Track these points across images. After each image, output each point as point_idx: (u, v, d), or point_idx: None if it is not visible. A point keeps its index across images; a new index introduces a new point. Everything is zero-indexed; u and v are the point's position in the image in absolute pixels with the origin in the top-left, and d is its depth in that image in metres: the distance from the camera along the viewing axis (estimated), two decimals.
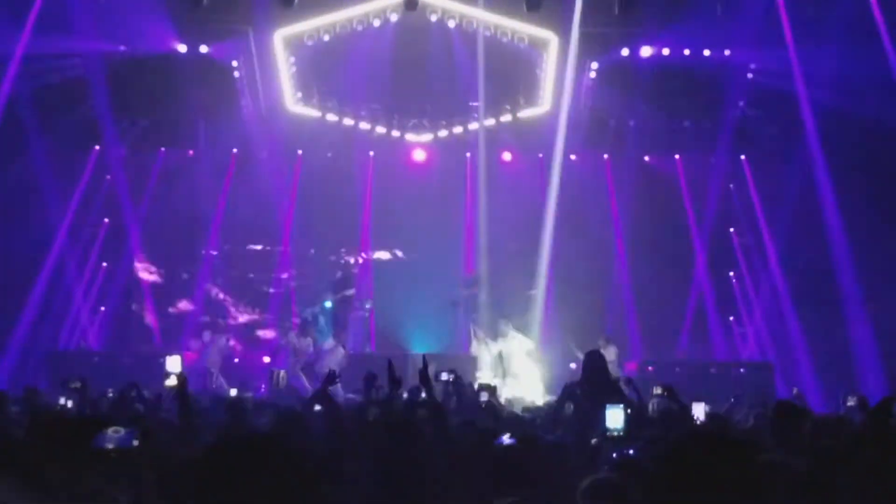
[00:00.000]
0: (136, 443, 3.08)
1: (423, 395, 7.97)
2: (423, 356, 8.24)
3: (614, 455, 5.90)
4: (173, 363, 9.93)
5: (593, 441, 7.27)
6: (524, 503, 4.08)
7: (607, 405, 7.97)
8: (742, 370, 20.37)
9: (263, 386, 18.90)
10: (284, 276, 23.49)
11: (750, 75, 21.61)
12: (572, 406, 10.59)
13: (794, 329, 21.33)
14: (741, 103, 22.01)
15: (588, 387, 10.58)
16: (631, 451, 5.87)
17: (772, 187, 22.40)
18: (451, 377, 10.36)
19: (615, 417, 7.02)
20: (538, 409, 12.25)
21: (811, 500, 4.27)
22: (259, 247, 23.70)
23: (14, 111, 19.22)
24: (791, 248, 21.59)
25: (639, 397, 10.06)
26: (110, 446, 3.05)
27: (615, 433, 6.84)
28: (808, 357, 20.52)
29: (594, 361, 10.76)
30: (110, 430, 3.05)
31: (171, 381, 8.44)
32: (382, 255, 23.85)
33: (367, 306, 22.31)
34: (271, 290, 23.48)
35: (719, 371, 20.16)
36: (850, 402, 11.79)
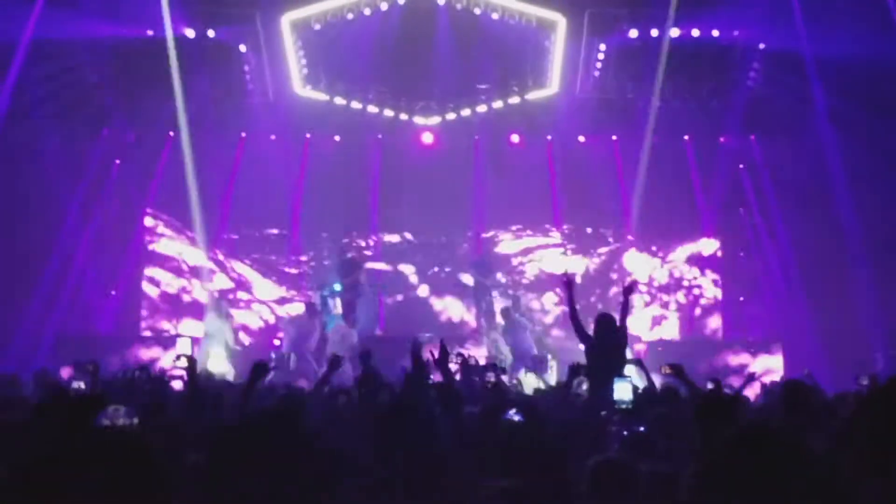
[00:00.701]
0: (135, 420, 3.08)
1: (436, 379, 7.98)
2: (442, 340, 8.25)
3: (625, 433, 5.90)
4: (183, 345, 9.98)
5: (602, 413, 7.29)
6: (515, 488, 4.07)
7: (615, 378, 8.01)
8: (752, 349, 20.39)
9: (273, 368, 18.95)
10: (303, 258, 23.60)
11: (759, 55, 21.52)
12: (584, 385, 10.67)
13: (804, 308, 21.29)
14: (751, 83, 21.92)
15: (599, 350, 10.74)
16: (642, 428, 5.87)
17: (782, 167, 22.34)
18: (460, 360, 10.36)
19: (623, 390, 7.04)
20: (547, 389, 12.29)
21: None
22: (275, 230, 23.79)
23: (22, 96, 19.24)
24: (802, 228, 21.56)
25: (648, 378, 10.08)
26: (108, 422, 3.05)
27: (623, 405, 6.86)
28: (819, 337, 20.49)
29: (606, 325, 11.02)
30: (111, 409, 3.06)
31: (182, 363, 8.50)
32: (391, 237, 23.89)
33: (376, 289, 22.32)
34: (294, 272, 23.63)
35: (729, 351, 20.20)
36: (863, 382, 11.79)
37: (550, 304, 23.37)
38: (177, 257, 23.32)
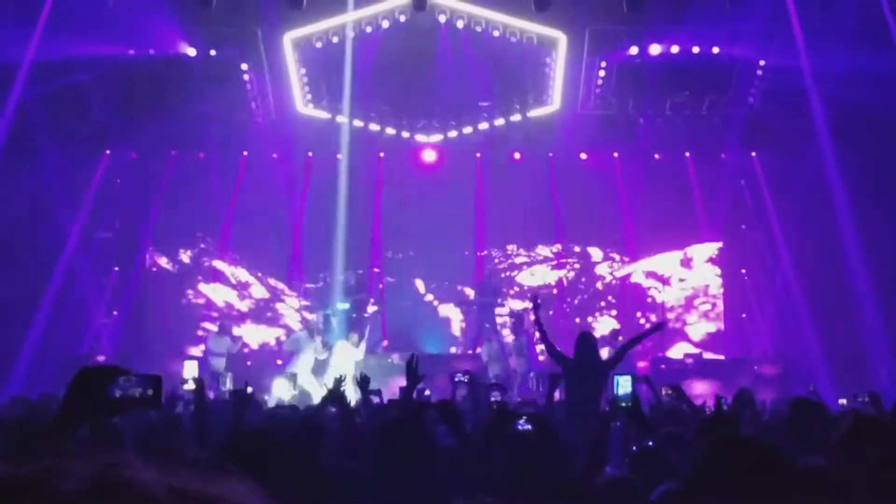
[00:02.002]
0: (151, 392, 3.03)
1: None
2: (413, 354, 8.20)
3: (634, 448, 5.89)
4: (190, 368, 9.94)
5: (605, 408, 7.25)
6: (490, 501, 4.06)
7: (616, 375, 8.00)
8: (755, 366, 20.37)
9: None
10: (305, 277, 23.61)
11: (760, 72, 21.56)
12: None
13: (807, 325, 21.27)
14: (751, 100, 21.96)
15: (578, 371, 10.71)
16: (650, 443, 5.86)
17: (783, 184, 22.35)
18: (466, 378, 10.32)
19: (624, 385, 7.02)
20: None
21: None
22: (277, 249, 23.78)
23: (24, 116, 19.26)
24: (803, 243, 21.56)
25: (657, 396, 10.08)
26: (121, 395, 3.00)
27: (624, 402, 6.83)
28: (821, 353, 20.46)
29: (587, 344, 10.96)
30: (121, 380, 3.00)
31: (189, 386, 8.46)
32: (394, 255, 23.90)
33: (380, 307, 22.29)
34: (296, 293, 23.65)
35: (731, 367, 20.19)
36: (862, 399, 11.76)
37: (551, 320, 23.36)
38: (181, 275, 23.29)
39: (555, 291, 23.86)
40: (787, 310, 22.06)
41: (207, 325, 22.40)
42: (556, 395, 10.32)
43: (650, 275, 24.01)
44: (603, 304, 23.69)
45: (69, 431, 2.97)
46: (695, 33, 20.46)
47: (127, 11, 18.79)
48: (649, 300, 23.73)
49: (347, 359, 18.98)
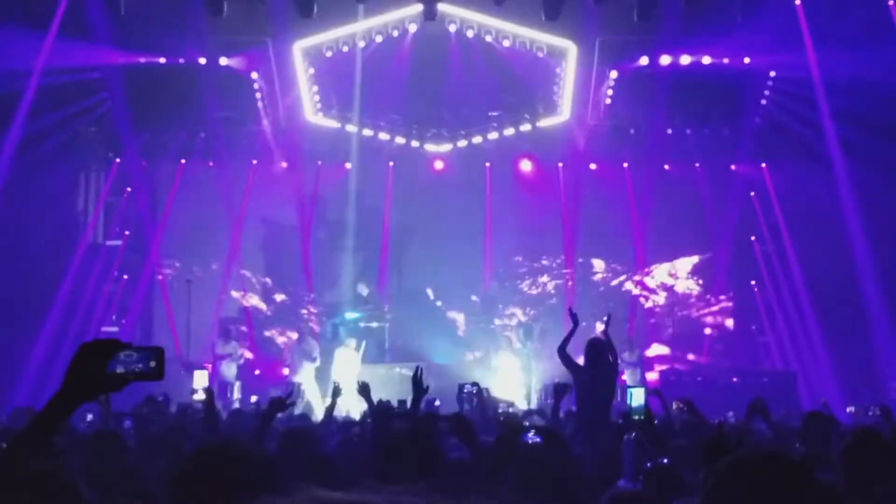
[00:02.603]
0: (153, 364, 2.99)
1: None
2: (419, 366, 8.17)
3: (648, 464, 5.84)
4: (200, 378, 9.93)
5: (619, 421, 7.20)
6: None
7: (629, 387, 7.92)
8: (765, 379, 20.28)
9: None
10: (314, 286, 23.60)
11: (770, 82, 21.50)
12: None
13: (817, 337, 21.19)
14: (762, 111, 21.89)
15: (590, 378, 10.65)
16: (665, 460, 5.81)
17: (793, 195, 22.28)
18: (475, 389, 10.29)
19: (637, 397, 6.96)
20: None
21: None
22: (286, 257, 23.77)
23: (35, 124, 19.27)
24: (813, 255, 21.49)
25: (666, 409, 10.03)
26: (122, 370, 2.96)
27: (637, 415, 6.78)
28: (831, 366, 20.38)
29: (597, 351, 10.89)
30: (122, 354, 2.96)
31: (200, 396, 8.47)
32: (404, 264, 23.89)
33: (388, 316, 22.23)
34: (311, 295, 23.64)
35: (741, 380, 20.08)
36: (873, 412, 11.71)
37: (560, 331, 23.26)
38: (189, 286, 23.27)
39: (553, 301, 23.75)
40: (797, 322, 21.99)
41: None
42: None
43: (659, 283, 23.95)
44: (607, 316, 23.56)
45: (71, 408, 2.96)
46: (705, 44, 20.41)
47: (138, 20, 18.80)
48: (657, 311, 23.69)
49: (346, 366, 18.98)
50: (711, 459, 3.71)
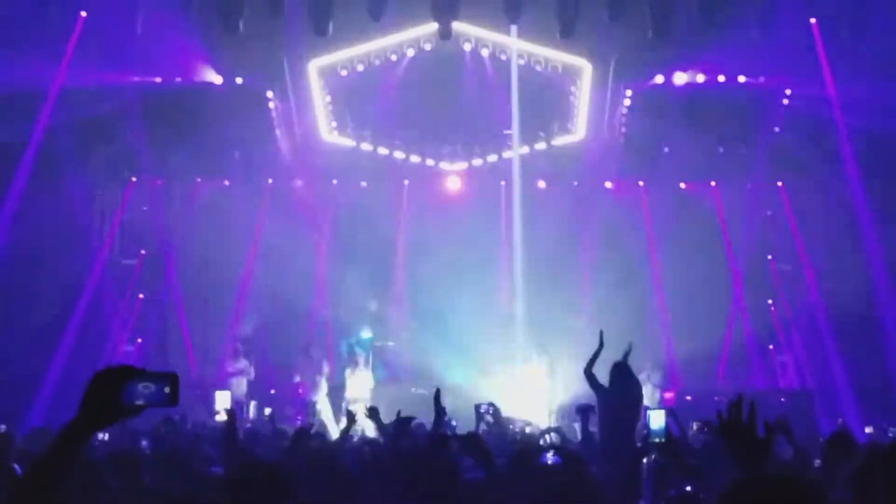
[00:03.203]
0: (167, 390, 2.99)
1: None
2: (438, 388, 8.14)
3: (672, 492, 5.78)
4: (223, 399, 9.94)
5: (639, 444, 7.14)
6: None
7: (649, 409, 7.85)
8: (782, 399, 20.15)
9: (300, 417, 18.86)
10: (328, 305, 23.55)
11: (786, 101, 21.43)
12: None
13: (834, 357, 21.06)
14: (777, 129, 21.82)
15: (615, 400, 10.57)
16: (689, 488, 5.75)
17: (810, 213, 22.20)
18: (491, 409, 10.24)
19: (657, 420, 6.89)
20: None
21: None
22: (301, 276, 23.74)
23: (51, 142, 19.35)
24: (830, 274, 21.39)
25: (681, 429, 9.95)
26: (137, 398, 2.96)
27: (658, 439, 6.71)
28: (849, 385, 20.25)
29: (622, 374, 10.80)
30: (136, 382, 2.96)
31: (222, 417, 8.49)
32: (419, 283, 23.83)
33: (403, 336, 22.18)
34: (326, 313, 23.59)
35: (759, 400, 19.91)
36: (893, 432, 11.63)
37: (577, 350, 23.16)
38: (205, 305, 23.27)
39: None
40: (814, 341, 21.87)
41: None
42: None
43: (676, 304, 23.82)
44: (629, 331, 23.42)
45: (87, 437, 2.98)
46: (720, 62, 20.37)
47: (154, 39, 18.87)
48: (675, 330, 23.57)
49: (360, 386, 18.94)
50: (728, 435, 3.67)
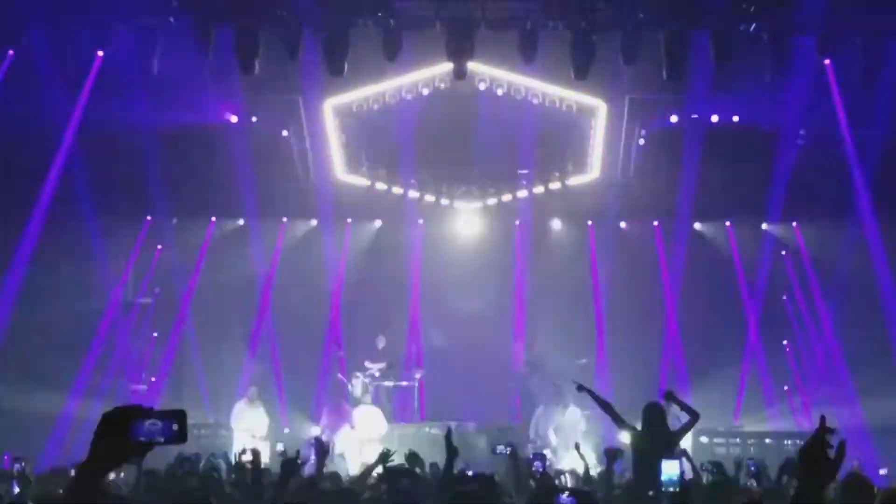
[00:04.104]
0: (175, 428, 3.00)
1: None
2: (449, 427, 8.10)
3: None
4: (242, 441, 9.97)
5: (650, 493, 7.11)
6: None
7: (663, 459, 7.80)
8: (798, 441, 20.02)
9: (313, 456, 18.74)
10: (343, 343, 23.51)
11: (800, 141, 21.45)
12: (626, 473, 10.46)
13: (851, 399, 20.91)
14: (792, 169, 21.80)
15: (647, 437, 10.45)
16: None
17: (825, 253, 22.12)
18: (509, 450, 10.17)
19: (671, 468, 6.84)
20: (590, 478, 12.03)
21: None
22: (315, 315, 23.74)
23: (67, 181, 19.47)
24: (847, 316, 21.30)
25: (695, 470, 9.89)
26: (145, 436, 2.98)
27: (671, 487, 6.67)
28: (865, 427, 20.10)
29: (654, 415, 10.67)
30: (144, 420, 2.98)
31: (247, 457, 8.50)
32: (432, 322, 23.82)
33: (417, 376, 22.10)
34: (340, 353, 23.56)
35: (775, 441, 19.84)
36: None
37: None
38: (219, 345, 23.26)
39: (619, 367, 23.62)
40: (830, 382, 21.75)
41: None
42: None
43: (691, 343, 23.72)
44: (644, 371, 23.34)
45: (98, 478, 2.97)
46: (735, 102, 20.41)
47: (171, 78, 18.99)
48: (690, 370, 23.44)
49: (374, 425, 18.79)
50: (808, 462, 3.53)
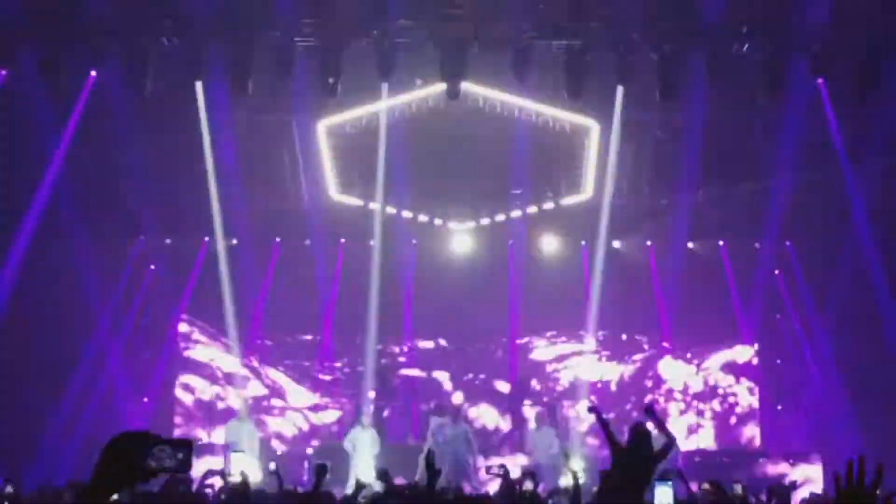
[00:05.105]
0: (181, 456, 3.03)
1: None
2: (430, 450, 8.11)
3: None
4: (238, 461, 9.95)
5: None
6: None
7: (656, 483, 7.75)
8: (791, 461, 20.03)
9: (306, 476, 18.70)
10: (337, 364, 23.48)
11: (795, 159, 21.47)
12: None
13: (846, 419, 20.89)
14: (786, 188, 21.83)
15: (629, 459, 10.41)
16: None
17: (820, 272, 22.08)
18: (501, 471, 10.14)
19: (664, 495, 6.81)
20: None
21: None
22: (309, 336, 23.75)
23: (58, 200, 19.44)
24: (841, 334, 21.28)
25: (688, 490, 9.86)
26: (152, 463, 2.99)
27: None
28: (861, 448, 20.06)
29: (640, 435, 10.63)
30: (155, 450, 3.00)
31: (236, 479, 8.50)
32: (426, 343, 23.80)
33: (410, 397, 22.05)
34: (328, 378, 23.51)
35: (768, 461, 19.88)
36: None
37: (585, 412, 23.05)
38: (211, 364, 23.22)
39: (613, 388, 23.63)
40: (826, 402, 21.73)
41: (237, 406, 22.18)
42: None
43: (683, 363, 23.74)
44: (633, 396, 23.35)
45: (102, 500, 2.99)
46: (728, 122, 20.46)
47: (163, 99, 19.00)
48: (680, 392, 23.44)
49: (367, 447, 18.62)
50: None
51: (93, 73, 18.65)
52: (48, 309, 20.34)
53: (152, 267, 22.92)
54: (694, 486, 11.41)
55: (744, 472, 18.87)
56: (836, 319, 21.43)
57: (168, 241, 23.08)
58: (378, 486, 13.29)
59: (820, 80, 18.99)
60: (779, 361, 23.46)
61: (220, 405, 22.91)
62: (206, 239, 23.01)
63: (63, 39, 17.79)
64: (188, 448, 3.08)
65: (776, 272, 23.35)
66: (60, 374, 20.60)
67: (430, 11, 17.85)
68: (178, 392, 23.02)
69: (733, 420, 23.42)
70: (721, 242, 23.67)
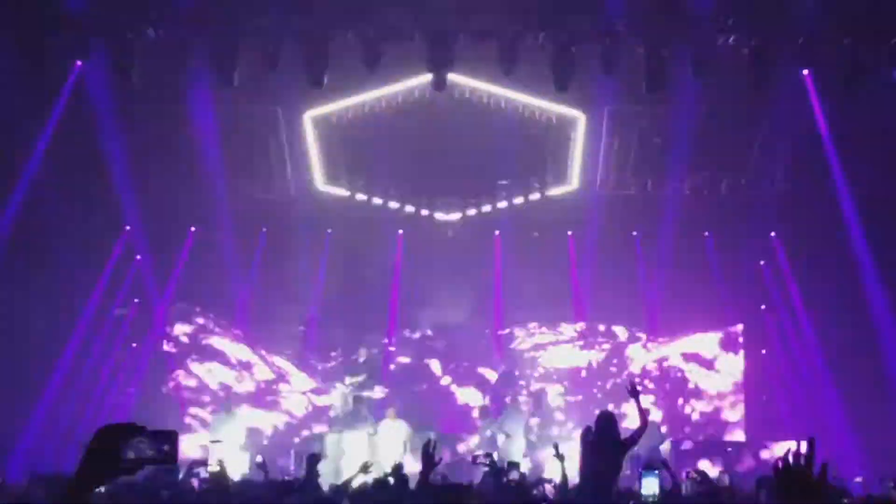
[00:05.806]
0: (166, 448, 3.04)
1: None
2: (430, 438, 8.11)
3: None
4: (217, 450, 9.94)
5: None
6: None
7: (643, 473, 7.80)
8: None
9: (293, 467, 18.67)
10: (327, 354, 23.52)
11: (781, 151, 21.52)
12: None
13: (833, 407, 20.98)
14: (771, 179, 21.87)
15: (600, 443, 10.48)
16: None
17: (806, 263, 22.12)
18: (488, 460, 10.19)
19: (650, 485, 6.87)
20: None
21: None
22: (295, 326, 23.76)
23: (41, 191, 19.37)
24: (825, 323, 21.36)
25: (674, 480, 9.91)
26: (137, 455, 3.00)
27: (650, 500, 6.71)
28: (847, 436, 20.16)
29: (606, 422, 10.69)
30: (137, 439, 3.01)
31: (214, 468, 8.48)
32: (412, 332, 23.83)
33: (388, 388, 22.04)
34: (319, 367, 23.55)
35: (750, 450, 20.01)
36: (891, 484, 11.56)
37: (559, 398, 23.15)
38: (201, 354, 23.20)
39: (584, 374, 23.69)
40: (812, 391, 21.81)
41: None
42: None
43: (668, 352, 23.80)
44: (611, 384, 23.43)
45: (87, 491, 3.00)
46: (714, 113, 20.48)
47: (149, 92, 18.96)
48: (667, 382, 23.51)
49: (394, 438, 18.51)
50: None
51: (77, 63, 18.58)
52: (32, 300, 20.26)
53: (138, 257, 22.84)
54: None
55: (728, 462, 19.00)
56: (821, 309, 21.50)
57: (153, 231, 22.99)
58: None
59: (806, 72, 19.05)
60: (764, 351, 23.52)
61: (206, 396, 22.85)
62: (192, 229, 22.95)
63: (47, 30, 17.69)
64: (173, 439, 3.07)
65: (761, 263, 23.40)
66: (43, 367, 20.54)
67: (416, 2, 17.82)
68: (164, 383, 22.97)
69: (719, 410, 23.47)
70: (706, 234, 23.68)
